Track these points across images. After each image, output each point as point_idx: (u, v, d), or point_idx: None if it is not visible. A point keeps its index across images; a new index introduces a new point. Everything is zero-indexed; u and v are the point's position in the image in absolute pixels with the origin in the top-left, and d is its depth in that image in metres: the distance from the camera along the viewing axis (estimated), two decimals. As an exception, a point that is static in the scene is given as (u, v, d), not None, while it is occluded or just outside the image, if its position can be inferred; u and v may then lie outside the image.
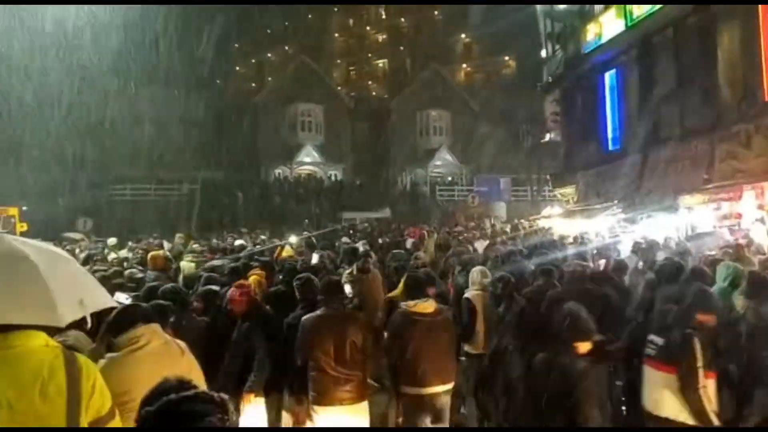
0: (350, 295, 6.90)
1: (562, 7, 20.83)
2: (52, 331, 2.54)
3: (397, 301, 5.76)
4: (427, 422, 4.89)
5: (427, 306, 4.92)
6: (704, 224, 11.80)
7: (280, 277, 7.29)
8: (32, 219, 20.80)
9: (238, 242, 14.06)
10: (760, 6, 11.46)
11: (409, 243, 13.38)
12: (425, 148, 40.19)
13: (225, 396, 1.74)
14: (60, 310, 2.39)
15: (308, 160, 38.46)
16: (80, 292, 2.59)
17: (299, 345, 4.62)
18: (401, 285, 5.88)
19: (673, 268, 5.66)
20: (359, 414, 4.57)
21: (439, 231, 17.57)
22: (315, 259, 9.40)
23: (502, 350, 6.02)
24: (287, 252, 10.85)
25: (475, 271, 6.36)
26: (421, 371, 4.78)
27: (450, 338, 5.07)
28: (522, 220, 23.00)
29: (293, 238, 12.43)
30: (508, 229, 19.00)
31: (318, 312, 4.68)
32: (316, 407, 4.52)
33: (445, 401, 4.94)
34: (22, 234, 18.49)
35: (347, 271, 7.73)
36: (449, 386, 4.95)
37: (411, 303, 4.93)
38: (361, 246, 11.69)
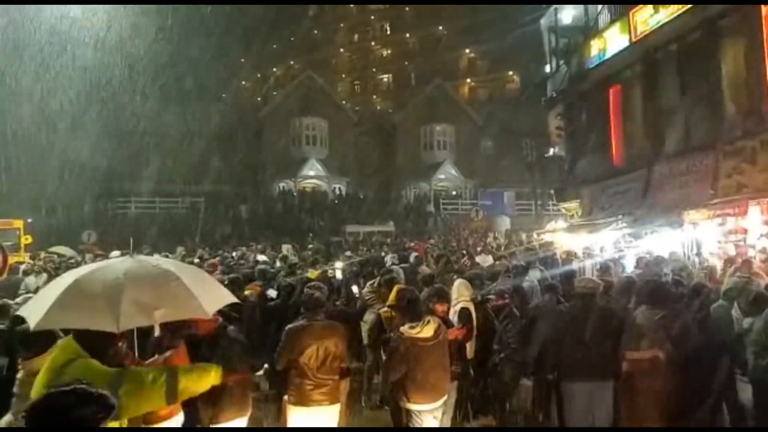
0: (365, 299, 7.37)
1: (566, 22, 20.95)
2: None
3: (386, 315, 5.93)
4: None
5: (427, 329, 4.93)
6: (709, 239, 11.75)
7: (276, 292, 7.64)
8: (37, 231, 20.86)
9: (261, 257, 14.05)
10: (764, 21, 11.48)
11: (412, 257, 13.35)
12: (429, 162, 40.25)
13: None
14: (120, 318, 2.80)
15: (312, 174, 38.54)
16: (157, 302, 3.01)
17: (282, 351, 4.92)
18: (391, 299, 6.02)
19: (655, 288, 5.57)
20: (331, 414, 4.96)
21: (441, 246, 17.54)
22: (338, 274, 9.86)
23: (501, 359, 6.09)
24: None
25: (459, 284, 6.52)
26: (423, 391, 4.94)
27: (446, 355, 5.19)
28: (525, 234, 22.98)
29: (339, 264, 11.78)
30: (509, 243, 18.97)
31: (301, 322, 5.04)
32: (292, 407, 4.87)
33: (444, 409, 5.19)
34: (26, 247, 18.58)
35: (370, 282, 8.14)
36: (442, 399, 5.12)
37: (413, 329, 4.91)
38: (389, 259, 11.78)
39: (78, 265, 12.12)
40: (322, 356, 4.84)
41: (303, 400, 4.82)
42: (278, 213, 32.58)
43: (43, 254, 18.48)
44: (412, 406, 4.95)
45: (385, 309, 6.04)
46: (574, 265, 10.76)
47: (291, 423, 4.91)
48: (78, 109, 28.79)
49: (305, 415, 4.84)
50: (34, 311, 3.03)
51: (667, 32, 14.09)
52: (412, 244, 20.38)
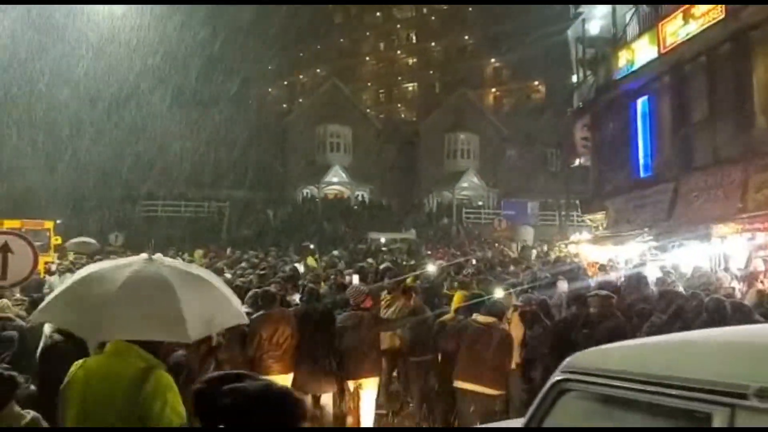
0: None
1: (593, 32, 20.84)
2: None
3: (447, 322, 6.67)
4: (469, 416, 5.63)
5: (487, 319, 5.91)
6: (738, 254, 11.57)
7: (299, 296, 7.96)
8: (66, 232, 21.28)
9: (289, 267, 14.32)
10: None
11: (434, 265, 13.42)
12: (452, 170, 40.19)
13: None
14: (188, 328, 2.69)
15: (336, 180, 38.75)
16: (211, 312, 2.93)
17: (249, 336, 6.04)
18: (453, 309, 6.86)
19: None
20: (285, 383, 5.63)
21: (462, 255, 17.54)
22: (356, 279, 9.99)
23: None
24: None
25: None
26: (468, 369, 5.68)
27: (499, 350, 5.74)
28: (539, 247, 22.82)
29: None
30: (522, 257, 18.84)
31: (260, 312, 6.27)
32: None
33: (486, 403, 5.62)
34: (55, 247, 18.98)
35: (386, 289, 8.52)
36: (490, 391, 5.62)
37: (479, 315, 6.02)
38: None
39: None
40: (280, 337, 6.11)
41: (264, 371, 5.80)
42: (301, 219, 32.78)
43: (72, 255, 18.86)
44: (457, 383, 5.75)
45: (451, 315, 6.79)
46: (602, 278, 10.67)
47: None
48: (107, 112, 29.39)
49: None
50: (79, 320, 2.81)
51: (696, 44, 13.95)
52: (429, 252, 20.36)
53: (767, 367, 1.78)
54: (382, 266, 11.45)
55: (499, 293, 7.30)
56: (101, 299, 2.71)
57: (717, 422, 1.70)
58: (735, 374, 1.77)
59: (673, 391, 1.83)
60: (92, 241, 21.27)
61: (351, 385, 6.46)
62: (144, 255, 3.11)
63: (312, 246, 22.93)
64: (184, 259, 15.73)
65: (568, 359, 2.45)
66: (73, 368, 2.70)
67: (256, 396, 1.68)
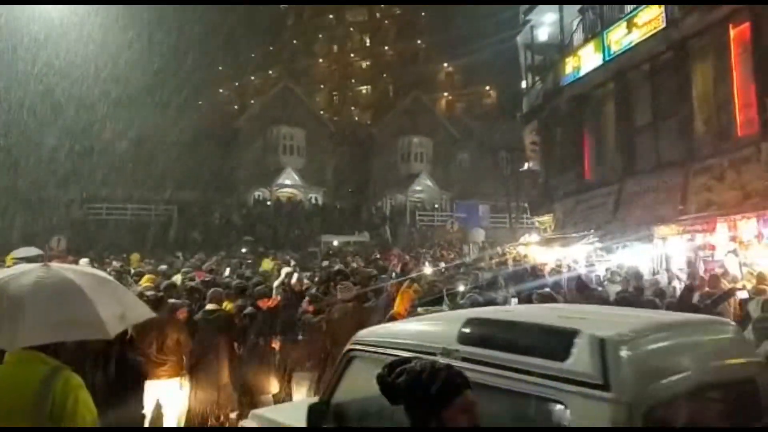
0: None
1: (542, 39, 21.31)
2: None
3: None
4: None
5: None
6: (679, 255, 11.98)
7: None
8: (3, 237, 20.39)
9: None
10: (732, 43, 11.84)
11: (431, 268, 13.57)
12: (406, 173, 40.41)
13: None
14: (107, 325, 2.80)
15: (289, 183, 38.38)
16: (121, 308, 3.02)
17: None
18: (397, 304, 7.07)
19: None
20: (173, 386, 6.20)
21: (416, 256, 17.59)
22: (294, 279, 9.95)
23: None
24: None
25: None
26: None
27: None
28: (499, 247, 23.16)
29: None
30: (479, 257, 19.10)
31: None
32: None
33: None
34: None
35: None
36: None
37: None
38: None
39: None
40: (163, 342, 6.11)
41: (150, 375, 5.81)
42: (253, 222, 32.32)
43: (9, 260, 18.05)
44: None
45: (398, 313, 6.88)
46: (552, 278, 10.88)
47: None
48: (51, 113, 28.31)
49: (153, 387, 5.87)
50: None
51: (639, 52, 14.42)
52: (378, 256, 20.31)
53: (449, 333, 2.75)
54: (334, 269, 11.43)
55: (460, 288, 7.65)
56: None
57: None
58: (434, 339, 2.81)
59: (406, 353, 2.61)
60: (37, 251, 20.41)
61: None
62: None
63: (244, 249, 22.85)
64: (119, 264, 15.33)
65: (357, 333, 3.41)
66: None
67: (424, 372, 1.93)
